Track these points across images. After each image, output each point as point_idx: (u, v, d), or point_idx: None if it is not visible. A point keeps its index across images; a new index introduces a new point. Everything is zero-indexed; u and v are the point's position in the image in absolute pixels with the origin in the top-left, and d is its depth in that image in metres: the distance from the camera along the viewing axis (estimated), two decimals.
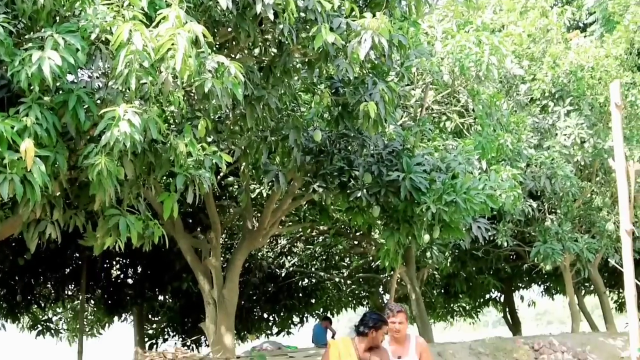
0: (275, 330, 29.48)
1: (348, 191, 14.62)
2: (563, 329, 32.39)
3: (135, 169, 9.27)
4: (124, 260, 24.27)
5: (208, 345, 18.33)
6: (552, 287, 33.58)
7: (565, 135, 20.80)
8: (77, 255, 22.47)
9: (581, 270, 22.78)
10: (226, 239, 24.67)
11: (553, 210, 22.17)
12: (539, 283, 33.82)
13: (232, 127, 12.73)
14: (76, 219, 9.90)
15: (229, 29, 11.24)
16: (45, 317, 26.56)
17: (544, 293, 35.40)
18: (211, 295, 16.59)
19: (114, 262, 24.47)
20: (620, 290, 32.50)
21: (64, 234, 9.88)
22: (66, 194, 9.70)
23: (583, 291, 32.84)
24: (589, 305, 32.50)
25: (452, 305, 34.06)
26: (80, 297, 23.53)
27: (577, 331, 25.21)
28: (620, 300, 34.55)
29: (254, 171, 15.71)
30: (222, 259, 17.73)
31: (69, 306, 27.27)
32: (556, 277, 29.32)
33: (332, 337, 23.00)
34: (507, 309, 33.58)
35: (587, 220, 23.15)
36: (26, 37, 9.11)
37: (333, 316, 28.55)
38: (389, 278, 25.41)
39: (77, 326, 25.32)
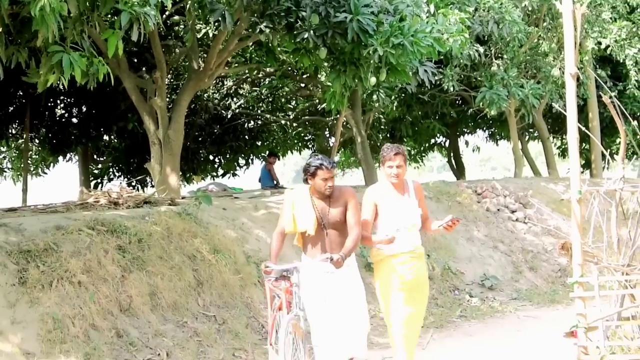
0: (220, 171, 29.58)
1: (295, 32, 14.40)
2: (507, 175, 32.91)
3: (79, 5, 9.08)
4: (69, 100, 24.05)
5: (153, 186, 18.43)
6: (497, 132, 33.93)
7: None
8: (21, 93, 22.22)
9: (526, 116, 22.99)
10: (172, 80, 24.49)
11: (500, 55, 22.24)
12: (484, 128, 34.18)
13: None
14: (19, 55, 9.74)
15: None
16: None
17: (488, 139, 35.80)
18: (156, 136, 16.58)
19: (59, 101, 24.24)
20: (564, 137, 32.91)
21: (6, 71, 9.72)
22: (8, 29, 9.50)
23: (527, 137, 33.35)
24: (532, 151, 33.06)
25: None
26: (25, 136, 23.43)
27: (520, 176, 25.67)
28: (563, 147, 35.05)
29: (199, 10, 15.46)
30: (167, 99, 17.60)
31: (13, 145, 27.12)
32: (501, 123, 29.62)
33: (276, 183, 23.17)
34: (451, 154, 34.02)
35: (533, 66, 23.31)
36: None
37: (279, 159, 28.66)
38: (334, 121, 25.50)
39: (22, 165, 25.28)
